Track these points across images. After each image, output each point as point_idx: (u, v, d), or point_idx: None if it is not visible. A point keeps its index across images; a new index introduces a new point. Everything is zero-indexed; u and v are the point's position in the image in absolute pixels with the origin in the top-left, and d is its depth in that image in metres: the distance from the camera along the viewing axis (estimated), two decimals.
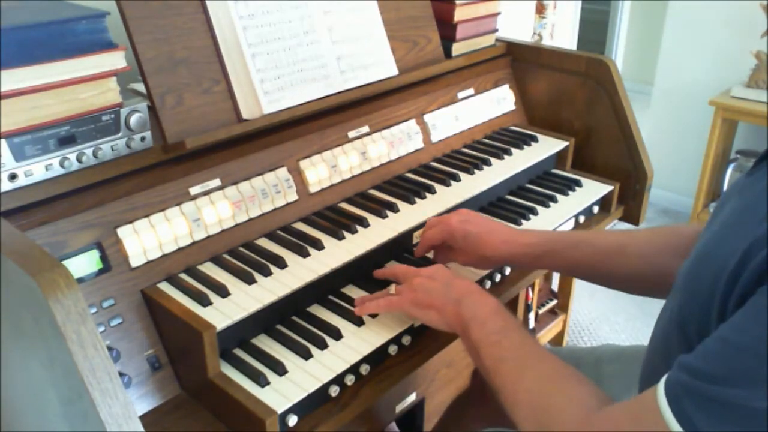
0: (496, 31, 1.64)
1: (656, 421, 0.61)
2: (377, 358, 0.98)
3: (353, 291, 1.10)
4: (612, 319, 2.59)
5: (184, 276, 1.01)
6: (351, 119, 1.29)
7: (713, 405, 0.58)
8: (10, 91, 0.86)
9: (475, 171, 1.38)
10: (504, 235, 1.08)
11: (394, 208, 1.21)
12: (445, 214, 1.14)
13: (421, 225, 1.20)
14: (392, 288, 1.01)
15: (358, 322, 1.02)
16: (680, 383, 0.61)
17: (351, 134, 1.29)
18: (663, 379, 0.63)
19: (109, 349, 0.89)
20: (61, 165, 0.93)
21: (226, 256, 1.06)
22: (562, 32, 3.15)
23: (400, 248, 1.20)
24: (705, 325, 0.65)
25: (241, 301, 0.96)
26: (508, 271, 1.21)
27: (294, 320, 1.03)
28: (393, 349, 1.00)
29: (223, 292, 0.96)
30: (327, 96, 1.23)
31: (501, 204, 1.40)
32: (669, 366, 0.65)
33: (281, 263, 1.04)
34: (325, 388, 0.91)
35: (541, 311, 2.27)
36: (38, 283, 0.67)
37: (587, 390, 0.74)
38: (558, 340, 2.38)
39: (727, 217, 0.68)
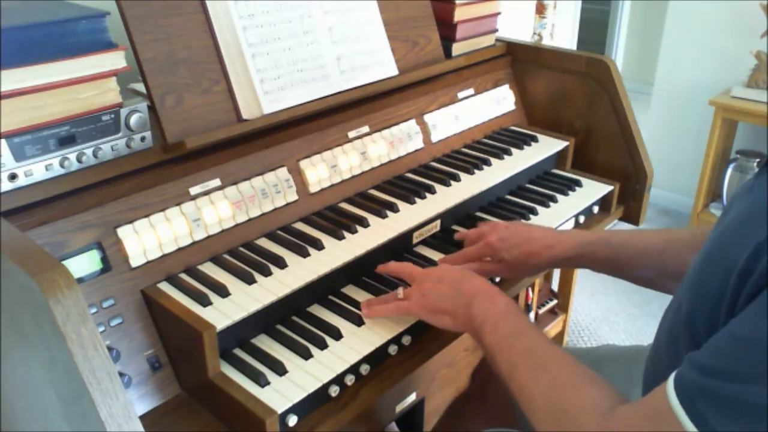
0: (496, 31, 1.64)
1: (670, 420, 0.61)
2: (377, 358, 0.98)
3: (353, 291, 1.10)
4: (612, 319, 2.59)
5: (184, 276, 1.01)
6: (351, 119, 1.29)
7: (726, 403, 0.58)
8: (10, 91, 0.86)
9: (475, 171, 1.38)
10: (544, 239, 1.09)
11: (394, 208, 1.21)
12: (483, 230, 1.15)
13: (421, 225, 1.21)
14: (400, 291, 1.01)
15: (358, 322, 1.02)
16: (692, 383, 0.61)
17: (351, 134, 1.29)
18: (672, 377, 0.63)
19: (109, 349, 0.89)
20: (61, 165, 0.93)
21: (226, 256, 1.06)
22: (562, 32, 3.15)
23: (400, 248, 1.20)
24: (714, 322, 0.65)
25: (241, 301, 0.96)
26: None
27: (294, 320, 1.03)
28: (393, 349, 1.00)
29: (223, 292, 0.96)
30: (327, 96, 1.23)
31: (501, 204, 1.40)
32: (676, 364, 0.65)
33: (281, 263, 1.04)
34: (325, 388, 0.91)
35: (541, 311, 2.27)
36: (38, 283, 0.66)
37: (600, 391, 0.74)
38: (558, 340, 2.37)
39: (736, 216, 0.68)
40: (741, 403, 0.57)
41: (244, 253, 1.07)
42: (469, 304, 0.91)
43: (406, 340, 1.02)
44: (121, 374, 0.89)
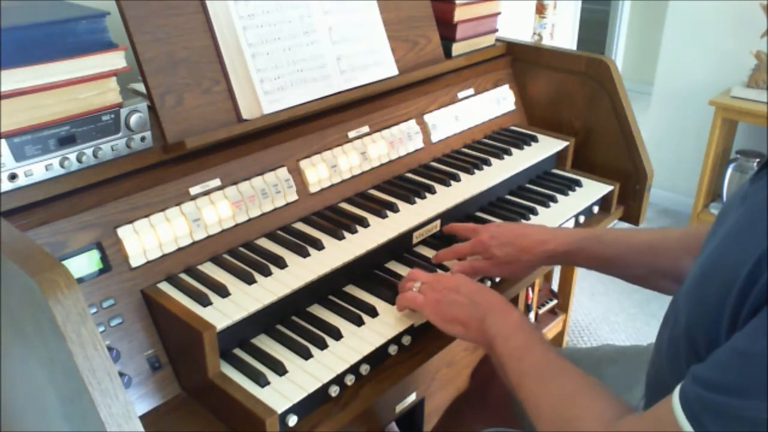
0: (496, 31, 1.64)
1: None
2: (377, 358, 0.98)
3: (353, 291, 1.10)
4: (612, 319, 2.59)
5: (184, 276, 1.01)
6: (351, 119, 1.29)
7: (729, 418, 0.58)
8: (10, 91, 0.86)
9: (475, 171, 1.38)
10: (539, 234, 1.09)
11: (394, 208, 1.21)
12: (476, 227, 1.15)
13: (422, 225, 1.21)
14: (417, 285, 1.01)
15: (358, 322, 1.02)
16: (697, 398, 0.61)
17: (351, 134, 1.28)
18: (677, 390, 0.63)
19: (109, 349, 0.89)
20: (61, 165, 0.93)
21: (226, 256, 1.06)
22: (562, 32, 3.15)
23: (400, 248, 1.20)
24: (714, 334, 0.64)
25: (241, 301, 0.96)
26: None
27: (294, 320, 1.03)
28: (393, 349, 1.00)
29: (223, 292, 0.96)
30: (327, 96, 1.23)
31: (501, 204, 1.40)
32: (677, 371, 0.65)
33: (281, 263, 1.04)
34: (325, 388, 0.91)
35: (541, 311, 2.26)
36: (38, 283, 0.67)
37: (605, 402, 0.75)
38: (558, 340, 2.37)
39: (732, 226, 0.67)
40: (743, 417, 0.57)
41: (244, 253, 1.07)
42: (483, 318, 0.91)
43: (406, 340, 1.02)
44: (121, 374, 0.89)
